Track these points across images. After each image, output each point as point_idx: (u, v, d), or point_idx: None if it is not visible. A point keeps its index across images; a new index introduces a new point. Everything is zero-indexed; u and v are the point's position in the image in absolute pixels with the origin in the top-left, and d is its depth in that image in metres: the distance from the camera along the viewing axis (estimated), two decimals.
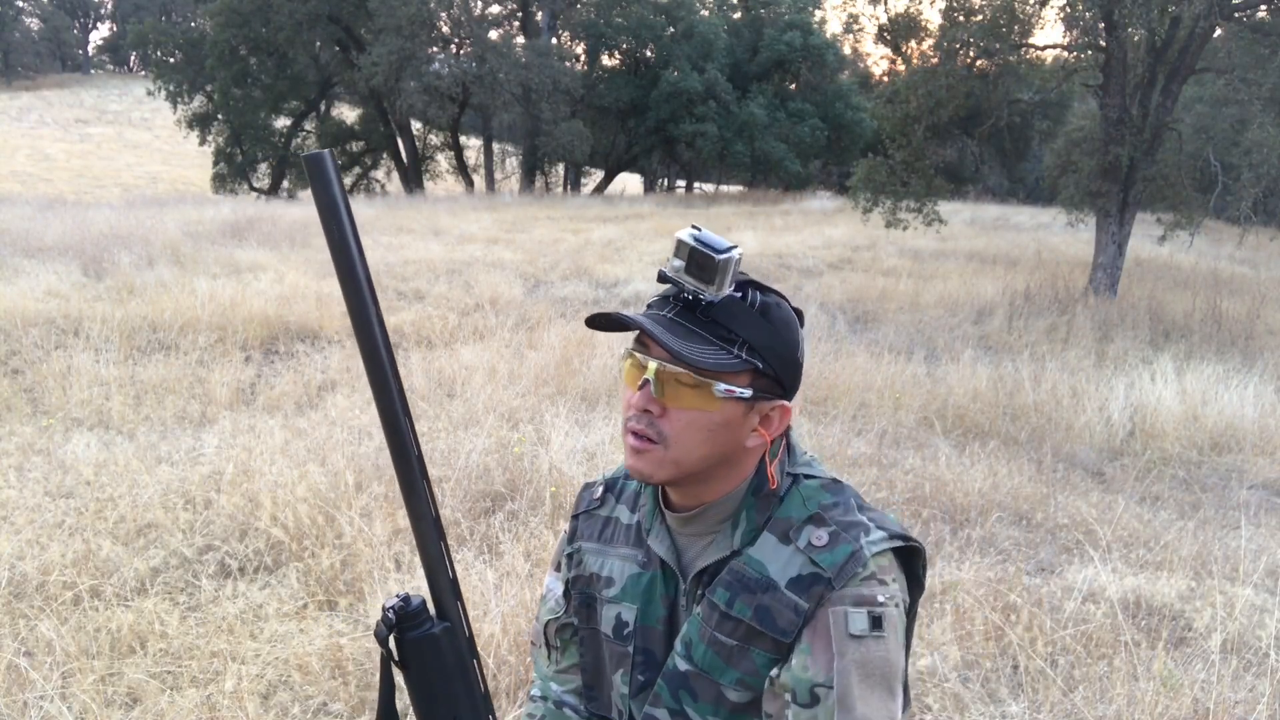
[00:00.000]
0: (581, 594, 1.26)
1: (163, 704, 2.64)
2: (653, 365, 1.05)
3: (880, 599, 1.04)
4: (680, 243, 1.01)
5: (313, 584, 3.37)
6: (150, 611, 3.09)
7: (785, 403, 1.10)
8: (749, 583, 1.08)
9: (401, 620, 0.96)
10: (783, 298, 1.10)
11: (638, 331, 1.08)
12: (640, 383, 1.07)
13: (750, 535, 1.10)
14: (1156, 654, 3.10)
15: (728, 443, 1.08)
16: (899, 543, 1.08)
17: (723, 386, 1.04)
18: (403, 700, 1.14)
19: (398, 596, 0.97)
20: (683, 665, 1.11)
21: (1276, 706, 2.83)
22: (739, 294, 1.05)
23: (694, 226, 1.03)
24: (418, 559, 3.55)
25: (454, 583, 0.97)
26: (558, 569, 1.32)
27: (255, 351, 7.03)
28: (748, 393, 1.05)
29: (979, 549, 4.00)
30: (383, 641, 0.97)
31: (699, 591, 1.12)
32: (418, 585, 3.28)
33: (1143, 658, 3.09)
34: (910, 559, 1.11)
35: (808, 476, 1.14)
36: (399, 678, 1.00)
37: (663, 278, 1.05)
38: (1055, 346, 8.37)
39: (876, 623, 1.03)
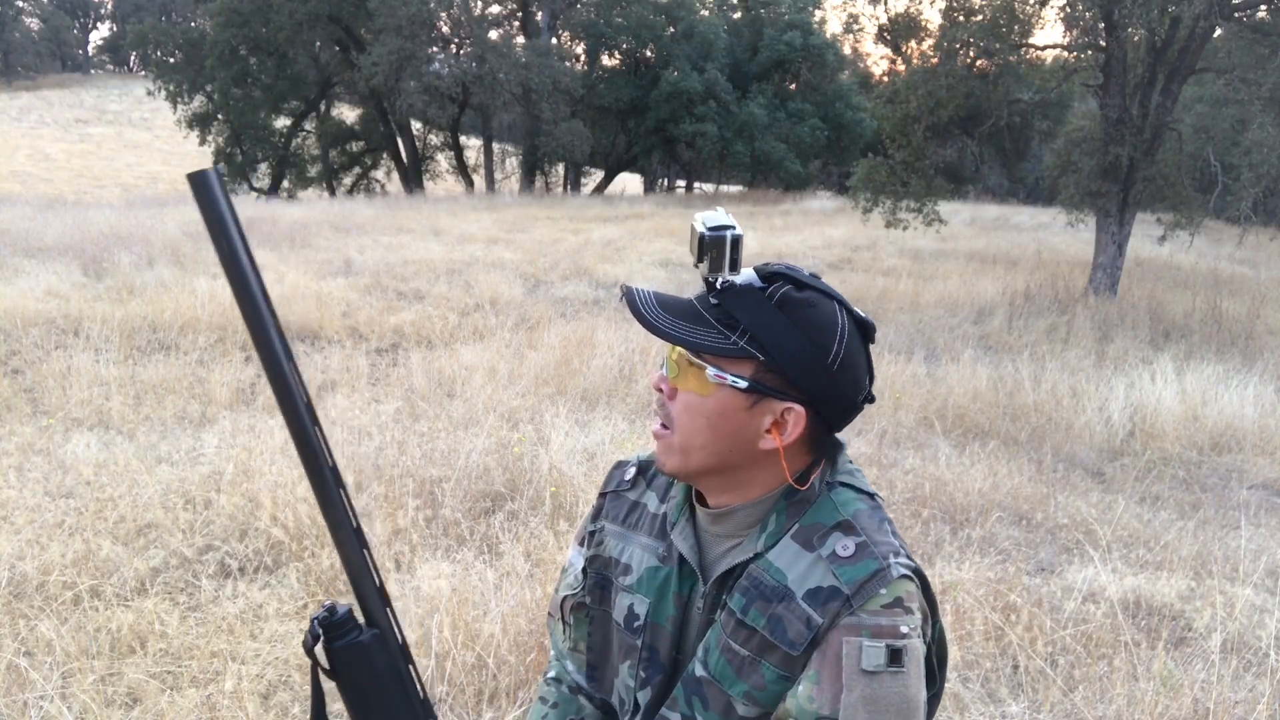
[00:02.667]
0: (598, 574, 1.23)
1: (163, 704, 2.64)
2: (672, 346, 1.05)
3: (903, 630, 0.97)
4: (693, 230, 1.01)
5: (313, 584, 3.37)
6: (150, 611, 3.09)
7: (798, 406, 1.03)
8: (765, 590, 1.03)
9: (327, 630, 0.95)
10: (840, 303, 1.04)
11: None
12: (663, 363, 1.08)
13: (775, 539, 1.06)
14: (1156, 654, 3.10)
15: (733, 437, 1.04)
16: (920, 579, 1.03)
17: (713, 371, 1.01)
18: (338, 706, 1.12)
19: (324, 606, 0.96)
20: (699, 671, 1.07)
21: (1276, 706, 2.83)
22: (763, 284, 1.03)
23: (715, 209, 1.03)
24: (418, 559, 3.56)
25: (381, 589, 0.96)
26: (581, 544, 1.30)
27: (255, 351, 7.02)
28: (743, 383, 1.01)
29: (979, 549, 3.99)
30: (309, 651, 0.95)
31: (721, 596, 1.08)
32: (417, 585, 3.28)
33: (1143, 658, 3.09)
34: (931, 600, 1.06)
35: (845, 485, 1.09)
36: (331, 688, 0.99)
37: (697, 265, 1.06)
38: (1055, 346, 8.37)
39: (895, 657, 0.96)
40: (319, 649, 0.96)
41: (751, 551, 1.07)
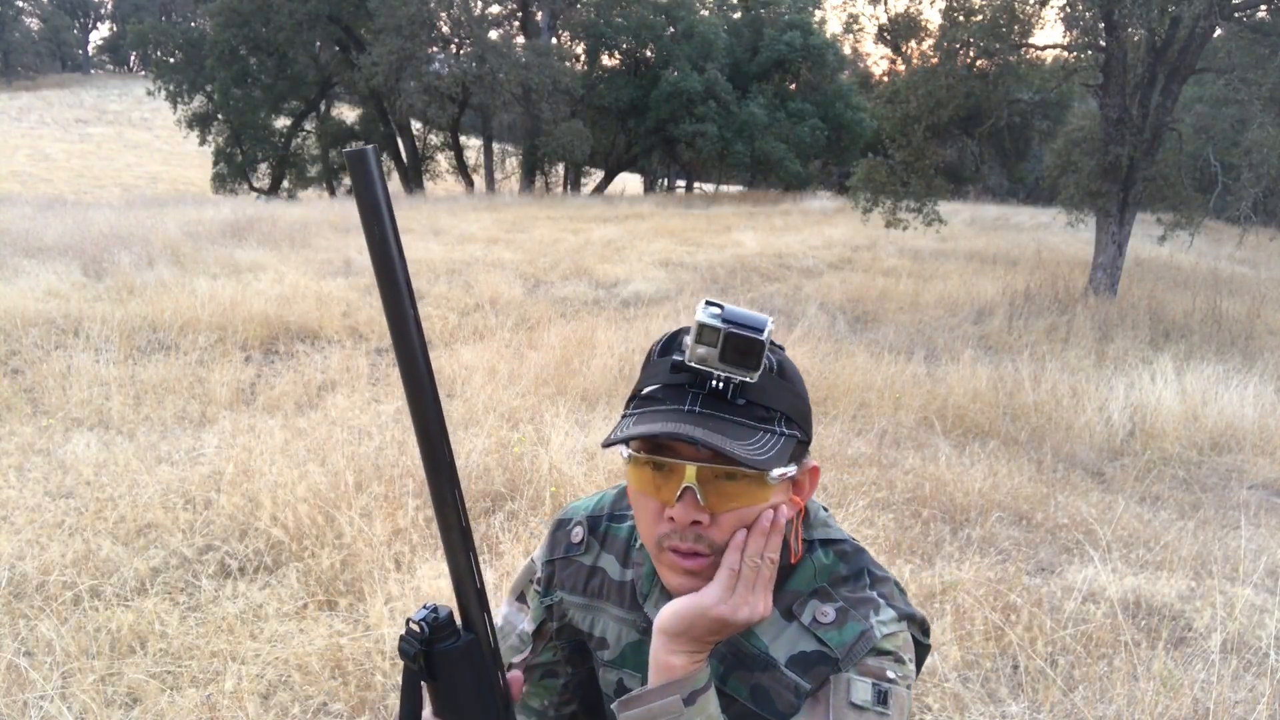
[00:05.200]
0: (571, 642, 1.18)
1: (163, 704, 2.63)
2: (691, 470, 0.92)
3: (890, 675, 0.96)
4: (706, 328, 0.89)
5: (313, 584, 3.37)
6: (150, 611, 3.08)
7: (815, 464, 1.02)
8: (746, 659, 1.00)
9: (433, 632, 0.93)
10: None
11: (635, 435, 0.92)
12: (680, 492, 0.93)
13: None
14: (1156, 654, 3.10)
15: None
16: (904, 625, 1.01)
17: (777, 472, 0.92)
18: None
19: (425, 608, 0.94)
20: None
21: (1276, 706, 2.83)
22: None
23: (709, 303, 0.91)
24: (417, 559, 3.56)
25: (480, 592, 0.93)
26: (519, 599, 1.22)
27: (255, 351, 7.03)
28: (794, 468, 0.96)
29: (979, 549, 3.99)
30: (413, 657, 0.92)
31: None
32: (417, 585, 3.28)
33: (1143, 658, 3.09)
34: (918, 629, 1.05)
35: (824, 542, 1.06)
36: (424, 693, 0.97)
37: (680, 367, 0.92)
38: (1055, 346, 8.37)
39: (882, 698, 0.94)
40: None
41: None
